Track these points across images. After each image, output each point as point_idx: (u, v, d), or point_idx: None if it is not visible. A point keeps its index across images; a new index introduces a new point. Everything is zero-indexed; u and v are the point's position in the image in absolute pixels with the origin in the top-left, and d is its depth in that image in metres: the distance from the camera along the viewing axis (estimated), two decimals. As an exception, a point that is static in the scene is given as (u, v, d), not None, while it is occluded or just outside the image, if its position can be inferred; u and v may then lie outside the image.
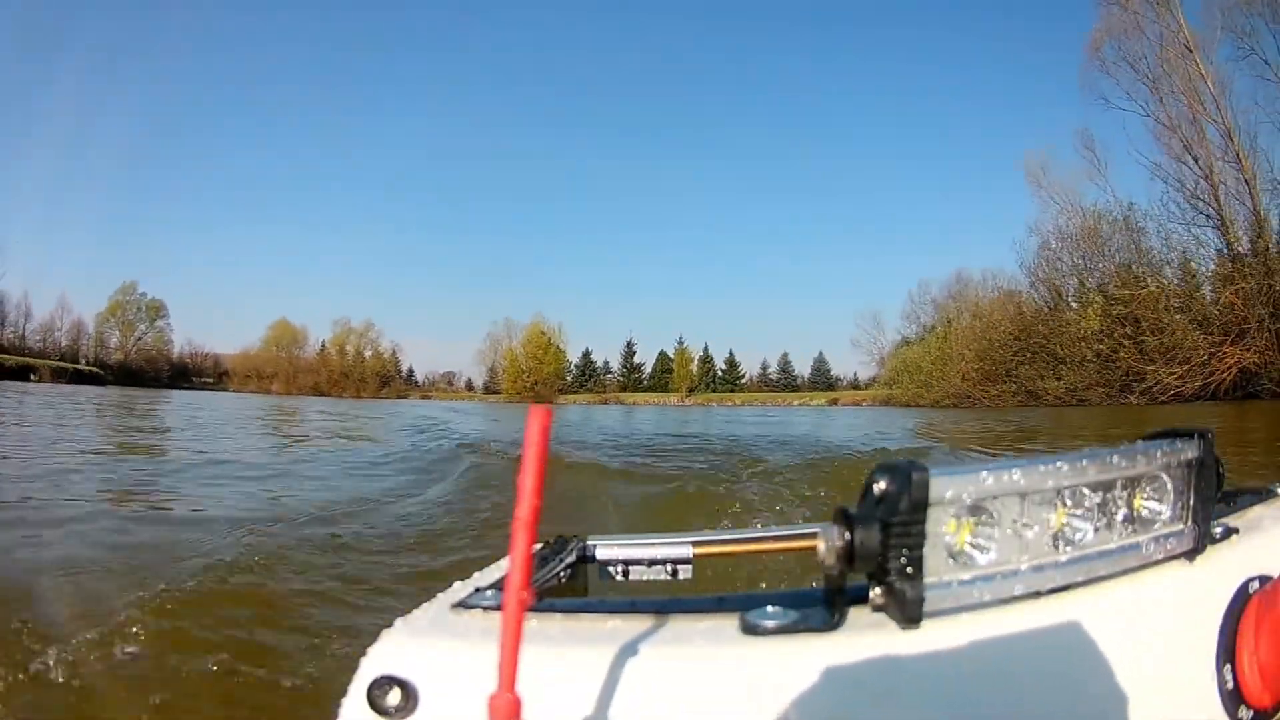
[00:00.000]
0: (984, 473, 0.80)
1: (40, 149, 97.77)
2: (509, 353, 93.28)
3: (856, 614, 0.80)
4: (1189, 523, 0.95)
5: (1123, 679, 0.83)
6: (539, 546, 1.28)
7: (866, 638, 0.77)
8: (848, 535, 0.76)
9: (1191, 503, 0.95)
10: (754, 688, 0.74)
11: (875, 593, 0.78)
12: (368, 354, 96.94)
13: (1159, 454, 0.92)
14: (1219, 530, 1.03)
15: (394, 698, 0.76)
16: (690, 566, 1.31)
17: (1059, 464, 0.84)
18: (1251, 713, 0.92)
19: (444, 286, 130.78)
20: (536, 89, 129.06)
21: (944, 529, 0.79)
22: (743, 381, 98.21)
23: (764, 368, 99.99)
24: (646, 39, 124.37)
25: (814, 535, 0.81)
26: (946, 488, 0.77)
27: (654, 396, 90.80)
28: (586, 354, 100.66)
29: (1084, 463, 0.86)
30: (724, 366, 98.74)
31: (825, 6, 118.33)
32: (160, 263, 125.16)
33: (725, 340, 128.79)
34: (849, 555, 0.76)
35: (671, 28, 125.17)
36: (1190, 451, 0.94)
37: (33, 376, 66.04)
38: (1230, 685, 0.92)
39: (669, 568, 1.31)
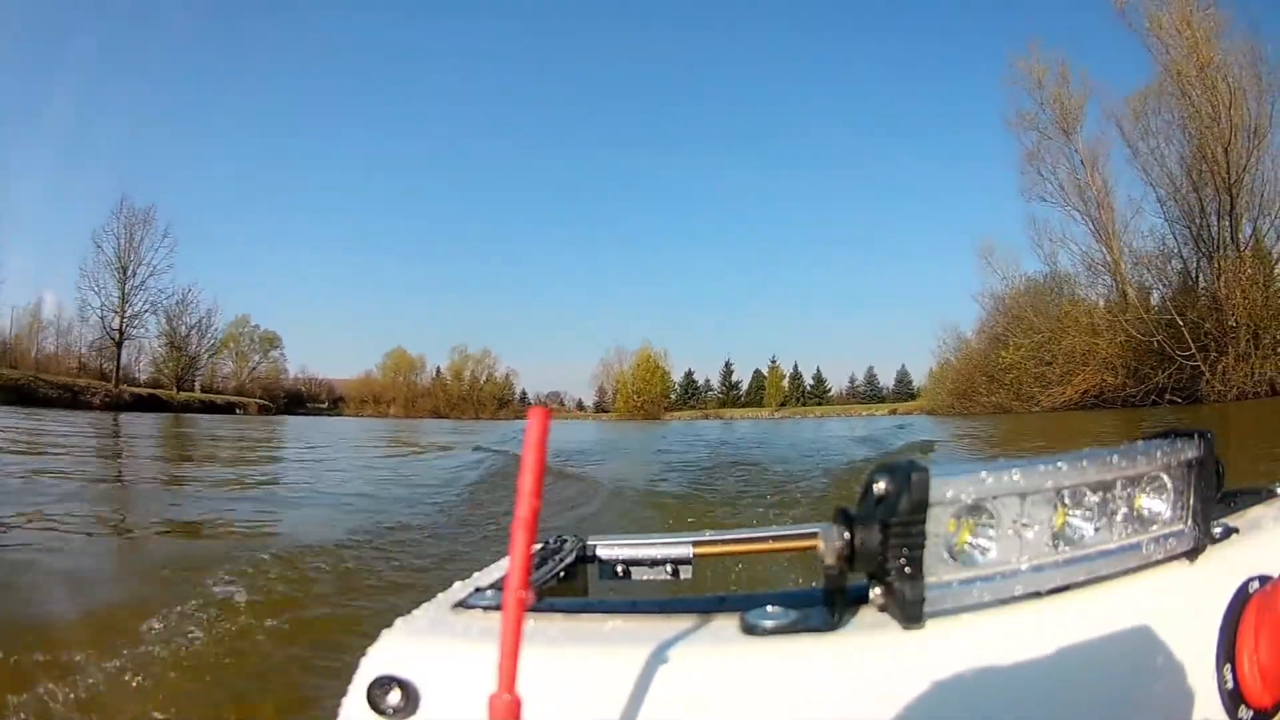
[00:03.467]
0: (984, 473, 0.80)
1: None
2: (620, 375, 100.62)
3: (856, 614, 0.80)
4: (1189, 523, 0.95)
5: (1123, 679, 0.84)
6: (539, 546, 1.29)
7: (866, 638, 0.77)
8: (848, 535, 0.76)
9: (1191, 503, 0.95)
10: (754, 688, 0.74)
11: (875, 593, 0.78)
12: (483, 378, 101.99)
13: (1159, 454, 0.92)
14: (1219, 530, 1.03)
15: (394, 698, 0.76)
16: (690, 566, 1.32)
17: (1059, 464, 0.84)
18: (1251, 713, 0.92)
19: (549, 308, 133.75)
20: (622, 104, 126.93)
21: (944, 529, 0.79)
22: (829, 395, 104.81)
23: (851, 380, 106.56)
24: (708, 47, 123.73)
25: (814, 535, 0.83)
26: (946, 488, 0.77)
27: (749, 411, 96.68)
28: (689, 374, 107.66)
29: (1084, 463, 0.86)
30: (811, 382, 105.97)
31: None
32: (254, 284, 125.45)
33: (816, 357, 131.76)
34: (849, 555, 0.76)
35: (743, 31, 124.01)
36: (1190, 451, 0.94)
37: (237, 410, 70.59)
38: (1230, 685, 0.92)
39: (669, 568, 1.31)
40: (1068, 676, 0.81)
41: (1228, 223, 36.69)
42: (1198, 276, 38.29)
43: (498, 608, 0.88)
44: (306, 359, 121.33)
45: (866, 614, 0.80)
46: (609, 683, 0.76)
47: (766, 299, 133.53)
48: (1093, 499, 0.88)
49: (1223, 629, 0.94)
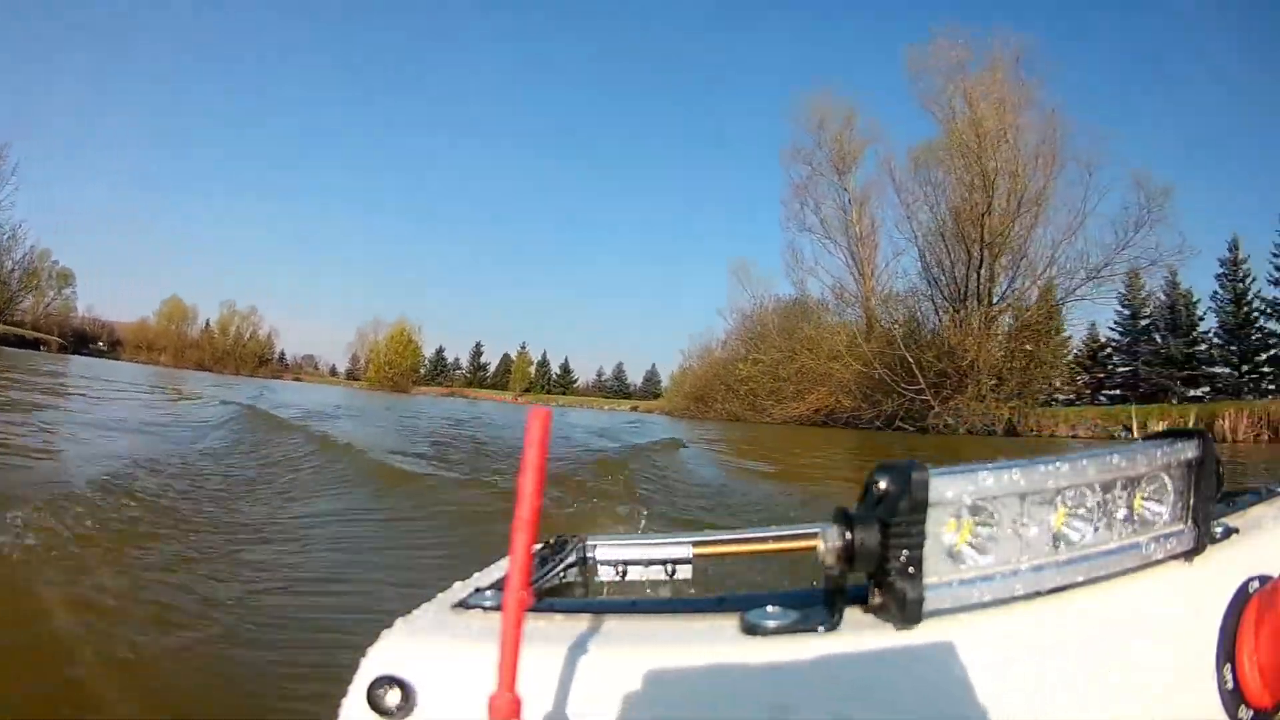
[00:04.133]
0: (984, 473, 0.80)
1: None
2: (374, 345, 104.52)
3: (856, 614, 0.80)
4: (1189, 523, 0.95)
5: (1123, 679, 0.84)
6: (539, 546, 1.29)
7: (866, 638, 0.77)
8: (847, 535, 0.76)
9: (1191, 503, 0.95)
10: (754, 688, 0.75)
11: (875, 593, 0.79)
12: (248, 335, 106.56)
13: (1159, 454, 0.92)
14: (1219, 530, 1.03)
15: (394, 698, 0.76)
16: (690, 566, 1.32)
17: (1059, 464, 0.84)
18: (1251, 713, 0.92)
19: (313, 267, 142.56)
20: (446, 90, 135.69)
21: (944, 529, 0.79)
22: (575, 385, 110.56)
23: (599, 374, 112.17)
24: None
25: (814, 535, 0.81)
26: (946, 488, 0.78)
27: (494, 393, 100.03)
28: (439, 351, 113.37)
29: (1084, 463, 0.86)
30: (559, 371, 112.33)
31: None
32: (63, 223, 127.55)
33: (567, 348, 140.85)
34: (849, 555, 0.77)
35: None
36: (1190, 451, 0.94)
37: (41, 347, 71.11)
38: (1230, 685, 0.92)
39: (669, 568, 1.32)
40: (1068, 676, 0.81)
41: (977, 277, 41.00)
42: (941, 321, 42.47)
43: (498, 608, 0.88)
44: (94, 299, 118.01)
45: (866, 614, 0.80)
46: (609, 683, 0.76)
47: (526, 286, 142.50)
48: (1093, 499, 0.89)
49: (1223, 629, 0.94)
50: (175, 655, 2.79)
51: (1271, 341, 46.24)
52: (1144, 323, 51.20)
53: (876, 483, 0.77)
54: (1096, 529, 0.89)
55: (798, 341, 46.74)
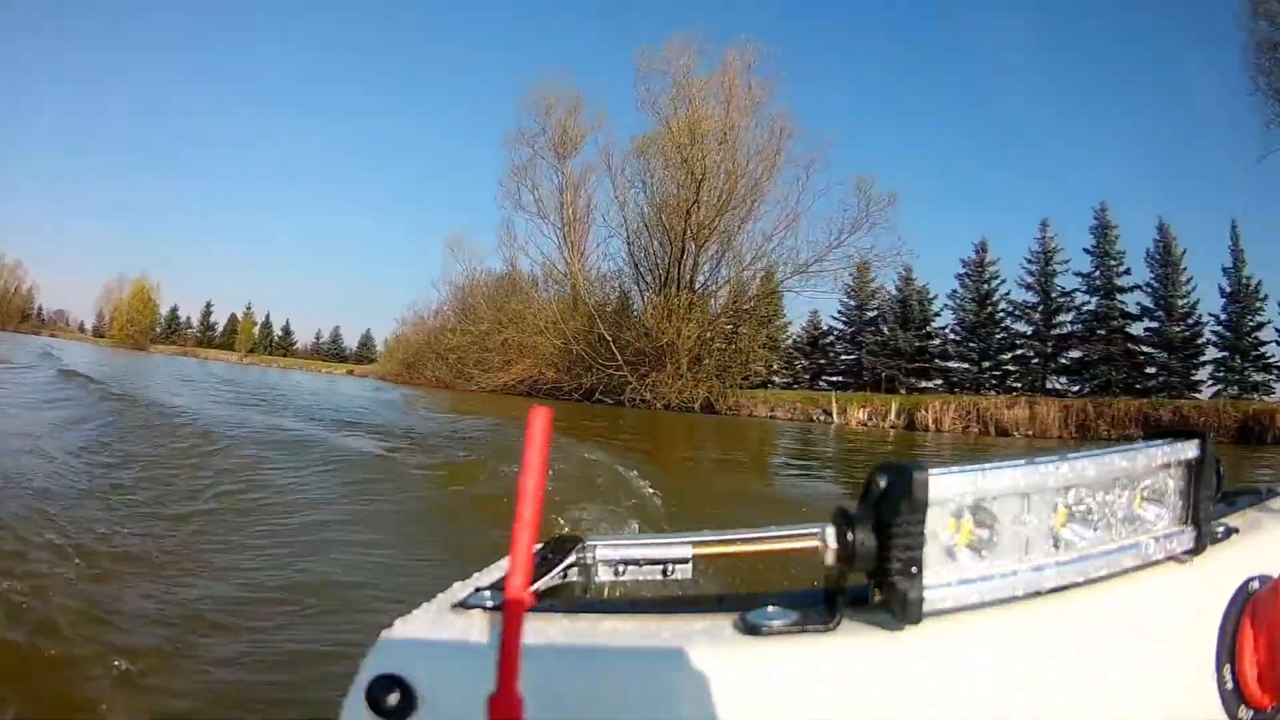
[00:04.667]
0: (984, 473, 0.79)
1: None
2: (119, 301, 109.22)
3: (856, 614, 0.79)
4: (1189, 523, 0.94)
5: (1123, 679, 0.83)
6: (538, 546, 1.25)
7: (866, 638, 0.77)
8: (847, 535, 0.75)
9: (1191, 503, 0.94)
10: (754, 688, 0.73)
11: (875, 593, 0.78)
12: (13, 290, 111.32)
13: (1159, 454, 0.91)
14: (1219, 530, 1.03)
15: (394, 698, 0.75)
16: (689, 566, 1.28)
17: (1059, 464, 0.84)
18: (1251, 713, 0.92)
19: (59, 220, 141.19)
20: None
21: (944, 529, 0.79)
22: (295, 347, 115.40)
23: (318, 336, 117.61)
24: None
25: (814, 535, 0.81)
26: (946, 488, 0.77)
27: (222, 353, 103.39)
28: (174, 310, 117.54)
29: (1084, 463, 0.86)
30: (280, 332, 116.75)
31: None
32: None
33: (289, 309, 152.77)
34: (849, 555, 0.76)
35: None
36: (1190, 452, 0.94)
37: None
38: (1230, 685, 0.92)
39: (668, 568, 1.28)
40: (1068, 676, 0.81)
41: (679, 266, 43.55)
42: (645, 303, 45.15)
43: (498, 608, 0.87)
44: None
45: (866, 614, 0.79)
46: (609, 683, 0.75)
47: (254, 243, 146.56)
48: (1093, 499, 0.88)
49: (1223, 629, 0.94)
50: (175, 655, 2.83)
51: (1018, 342, 49.47)
52: (871, 314, 53.41)
53: (876, 482, 0.78)
54: (1096, 529, 0.89)
55: (505, 315, 48.77)
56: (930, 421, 30.81)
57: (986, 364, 50.31)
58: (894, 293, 52.00)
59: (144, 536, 4.56)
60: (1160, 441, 0.93)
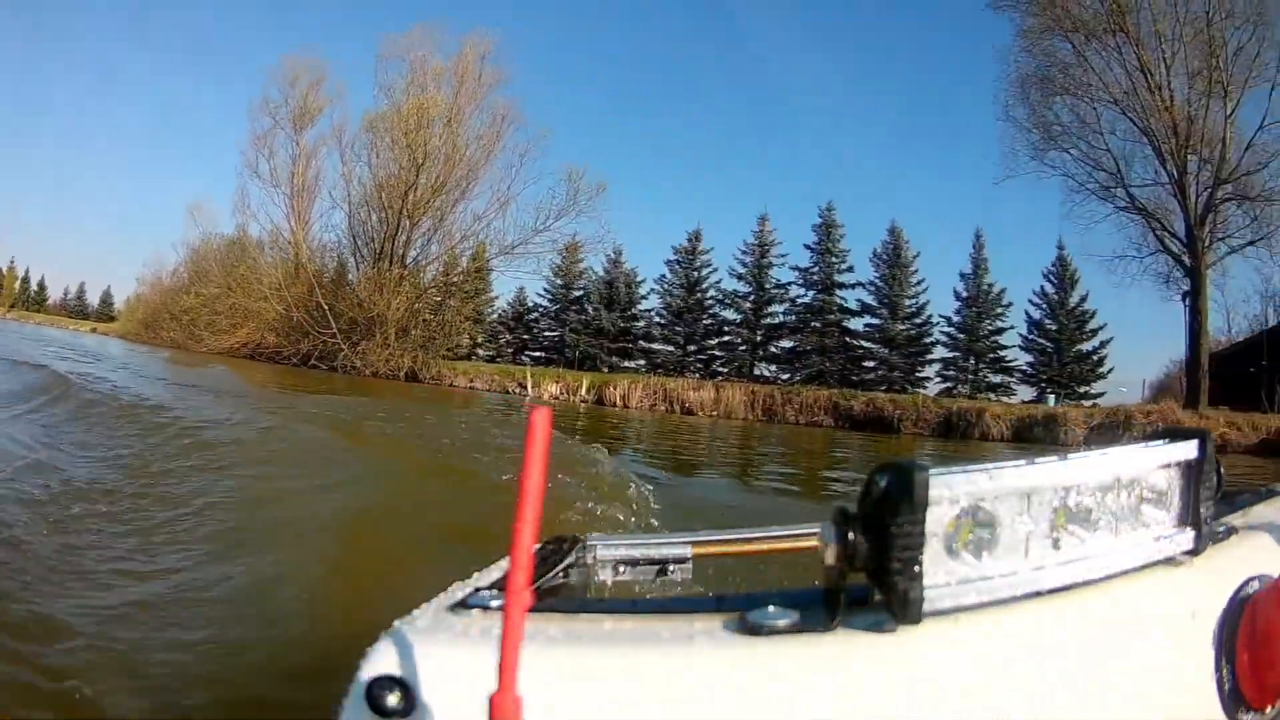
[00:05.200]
0: (984, 473, 0.80)
1: None
2: None
3: (856, 614, 0.80)
4: (1189, 523, 0.95)
5: (1123, 679, 0.84)
6: (538, 546, 1.27)
7: (866, 638, 0.77)
8: (848, 535, 0.76)
9: (1191, 503, 0.95)
10: (754, 688, 0.74)
11: (875, 593, 0.79)
12: None
13: (1159, 455, 0.93)
14: (1219, 530, 1.04)
15: (394, 698, 0.75)
16: (689, 566, 1.31)
17: (1059, 464, 0.85)
18: (1251, 713, 0.92)
19: None
20: None
21: (944, 529, 0.79)
22: (48, 303, 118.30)
23: (65, 293, 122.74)
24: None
25: (814, 535, 0.82)
26: (946, 488, 0.78)
27: None
28: None
29: (1084, 463, 0.87)
30: (36, 288, 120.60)
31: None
32: None
33: (43, 264, 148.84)
34: (849, 555, 0.77)
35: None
36: (1189, 452, 0.95)
37: None
38: (1230, 685, 0.92)
39: (668, 568, 1.31)
40: (1067, 676, 0.80)
41: (393, 241, 45.34)
42: (360, 275, 46.64)
43: (498, 608, 0.86)
44: None
45: (866, 614, 0.79)
46: (609, 683, 0.75)
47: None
48: (1092, 499, 0.88)
49: (1223, 629, 0.93)
50: (174, 654, 2.75)
51: (725, 329, 52.87)
52: (577, 294, 55.39)
53: (877, 482, 0.77)
54: (1096, 529, 0.88)
55: (235, 279, 49.89)
56: (618, 398, 32.15)
57: (692, 348, 53.33)
58: (601, 274, 54.55)
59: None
60: (1160, 442, 0.93)
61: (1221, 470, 1.00)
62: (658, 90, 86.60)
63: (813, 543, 0.84)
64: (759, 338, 51.82)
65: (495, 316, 53.88)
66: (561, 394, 34.48)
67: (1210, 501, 0.97)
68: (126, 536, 4.03)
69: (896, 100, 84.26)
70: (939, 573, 0.78)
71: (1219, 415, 25.02)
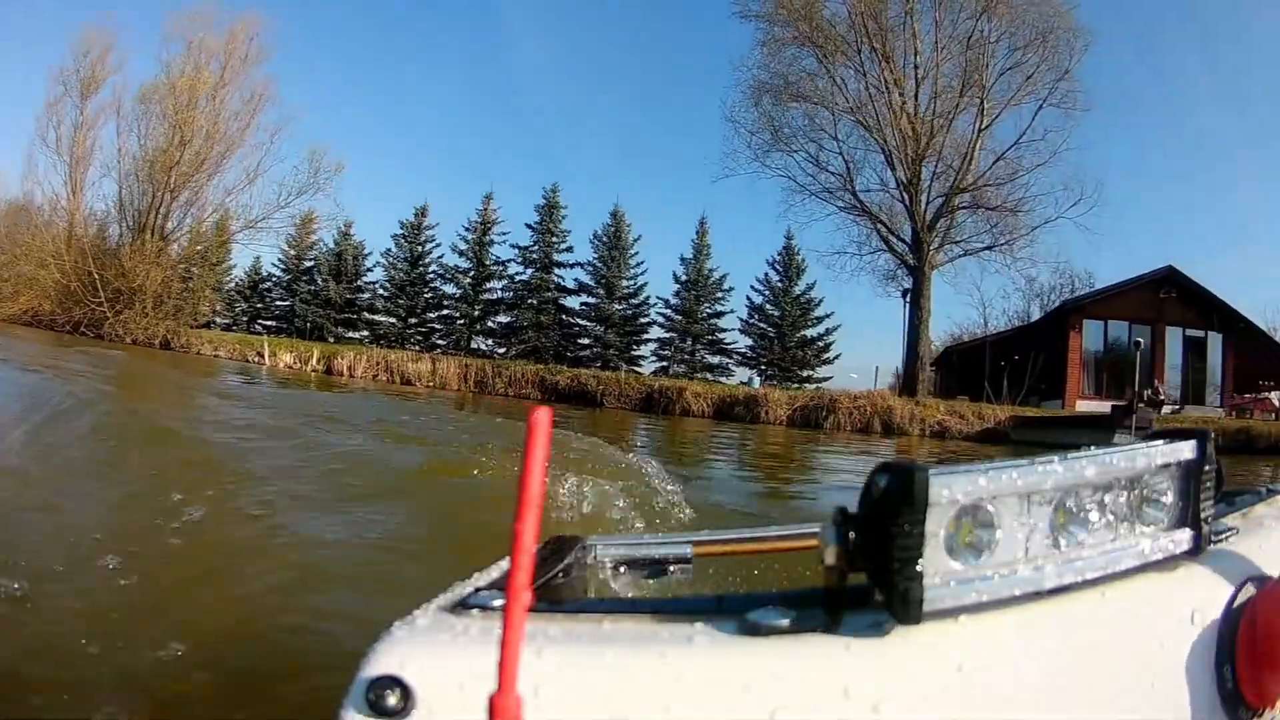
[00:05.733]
0: (984, 473, 0.80)
1: None
2: None
3: (857, 614, 0.79)
4: (1189, 523, 0.95)
5: (1123, 679, 0.84)
6: (538, 546, 1.24)
7: (866, 638, 0.77)
8: (848, 535, 0.76)
9: (1191, 503, 0.95)
10: (754, 688, 0.74)
11: (875, 593, 0.78)
12: None
13: (1159, 454, 0.92)
14: (1219, 530, 1.03)
15: (393, 698, 0.75)
16: (690, 566, 1.31)
17: (1059, 464, 0.84)
18: (1251, 713, 0.92)
19: None
20: None
21: (944, 529, 0.79)
22: None
23: None
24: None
25: (814, 535, 0.82)
26: (946, 488, 0.77)
27: None
28: None
29: (1084, 463, 0.86)
30: None
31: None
32: None
33: None
34: (849, 555, 0.77)
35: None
36: (1189, 452, 0.94)
37: None
38: (1230, 685, 0.92)
39: (668, 568, 1.31)
40: (1067, 676, 0.81)
41: (156, 214, 46.79)
42: (125, 246, 46.86)
43: (498, 608, 0.87)
44: None
45: (866, 614, 0.79)
46: (608, 683, 0.76)
47: None
48: (1093, 499, 0.89)
49: (1222, 629, 0.94)
50: (173, 654, 2.72)
51: (445, 303, 54.47)
52: (309, 265, 56.41)
53: (877, 482, 0.77)
54: (1096, 529, 0.89)
55: (20, 247, 50.35)
56: (345, 369, 33.57)
57: (413, 320, 54.73)
58: (331, 246, 55.83)
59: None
60: (1160, 442, 0.93)
61: (1222, 470, 1.01)
62: (403, 70, 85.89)
63: (813, 543, 0.84)
64: (477, 312, 53.84)
65: (232, 286, 55.46)
66: (295, 363, 35.90)
67: (1210, 501, 0.97)
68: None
69: (633, 88, 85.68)
70: (939, 573, 0.78)
71: (938, 404, 25.89)
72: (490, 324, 54.74)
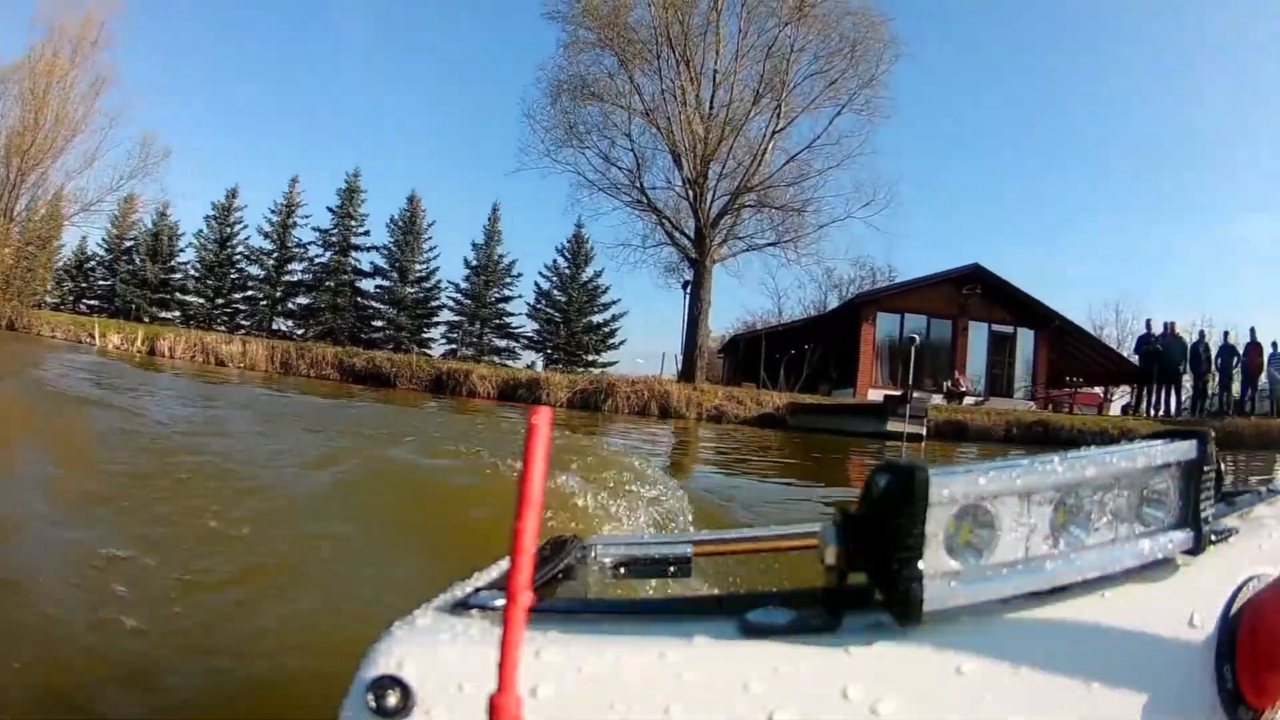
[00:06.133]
0: (984, 473, 0.80)
1: None
2: None
3: (857, 614, 0.79)
4: (1189, 523, 0.95)
5: (1123, 679, 0.83)
6: (538, 546, 1.20)
7: (866, 638, 0.77)
8: (848, 535, 0.76)
9: (1191, 503, 0.95)
10: (754, 688, 0.74)
11: (876, 593, 0.78)
12: None
13: (1159, 454, 0.92)
14: (1219, 530, 1.03)
15: (393, 698, 0.75)
16: (689, 566, 1.30)
17: (1059, 464, 0.84)
18: (1251, 713, 0.92)
19: None
20: None
21: (944, 529, 0.79)
22: None
23: None
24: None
25: (814, 535, 0.81)
26: (947, 488, 0.77)
27: None
28: None
29: (1084, 463, 0.86)
30: None
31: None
32: None
33: None
34: (849, 555, 0.77)
35: None
36: (1190, 452, 0.94)
37: None
38: (1230, 685, 0.92)
39: (668, 568, 1.30)
40: (1067, 676, 0.81)
41: (11, 197, 46.90)
42: None
43: (498, 608, 0.87)
44: None
45: (866, 614, 0.79)
46: (608, 684, 0.76)
47: None
48: (1093, 499, 0.89)
49: (1222, 629, 0.94)
50: (174, 653, 2.70)
51: (250, 284, 56.15)
52: (129, 244, 57.07)
53: (877, 482, 0.77)
54: (1096, 529, 0.89)
55: None
56: (167, 349, 33.58)
57: (220, 301, 55.67)
58: (149, 227, 56.37)
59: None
60: (1159, 442, 0.93)
61: (1222, 470, 1.01)
62: (225, 49, 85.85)
63: (813, 543, 0.82)
64: (279, 294, 55.17)
65: (60, 265, 55.05)
66: (122, 344, 35.73)
67: (1210, 501, 0.97)
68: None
69: (443, 80, 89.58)
70: (939, 573, 0.78)
71: (716, 389, 26.36)
72: (290, 305, 56.32)
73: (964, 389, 30.02)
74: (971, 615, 0.79)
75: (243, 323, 54.76)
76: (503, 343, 55.46)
